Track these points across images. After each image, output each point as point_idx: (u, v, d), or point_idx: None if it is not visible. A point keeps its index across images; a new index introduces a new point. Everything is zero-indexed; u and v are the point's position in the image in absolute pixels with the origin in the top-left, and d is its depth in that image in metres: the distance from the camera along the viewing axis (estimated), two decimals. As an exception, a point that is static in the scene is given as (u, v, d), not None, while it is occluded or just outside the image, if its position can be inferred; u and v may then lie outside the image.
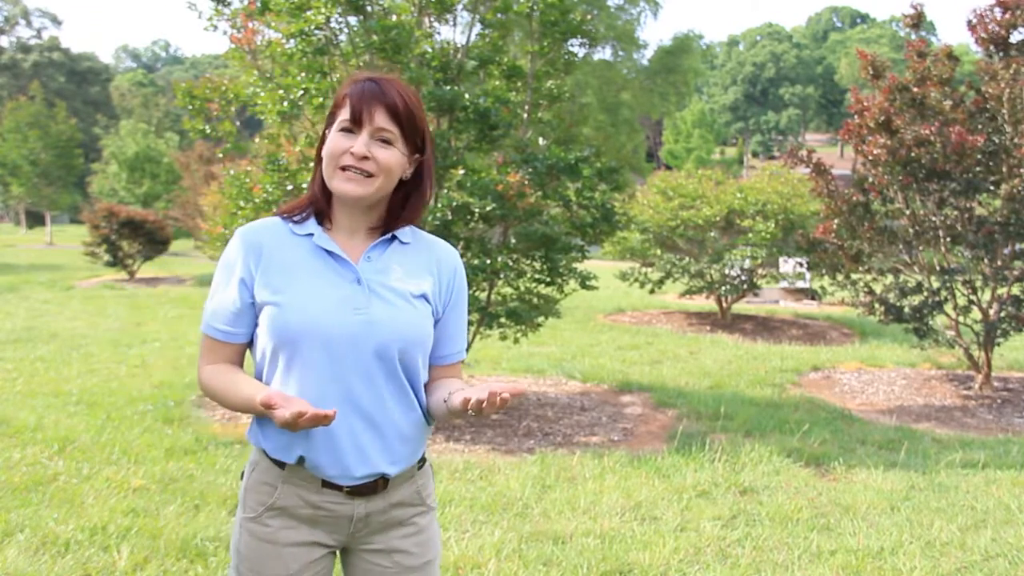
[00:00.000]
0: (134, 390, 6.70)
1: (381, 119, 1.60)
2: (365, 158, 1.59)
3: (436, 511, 1.81)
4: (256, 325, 1.65)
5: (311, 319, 1.58)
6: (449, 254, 1.77)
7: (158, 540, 3.58)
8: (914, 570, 3.50)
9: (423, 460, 1.76)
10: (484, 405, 1.47)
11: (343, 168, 1.60)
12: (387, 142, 1.61)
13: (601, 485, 4.53)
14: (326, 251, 1.64)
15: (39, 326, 10.48)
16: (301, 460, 1.62)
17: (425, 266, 1.72)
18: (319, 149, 1.68)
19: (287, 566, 1.65)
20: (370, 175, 1.60)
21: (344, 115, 1.61)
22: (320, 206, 1.68)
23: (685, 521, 4.02)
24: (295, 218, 1.67)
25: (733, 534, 3.87)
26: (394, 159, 1.62)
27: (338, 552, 1.75)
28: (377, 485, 1.66)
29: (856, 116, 7.32)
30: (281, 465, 1.64)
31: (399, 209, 1.69)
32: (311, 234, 1.65)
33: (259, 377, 1.66)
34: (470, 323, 6.06)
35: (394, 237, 1.70)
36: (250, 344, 1.69)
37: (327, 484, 1.64)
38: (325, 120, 1.69)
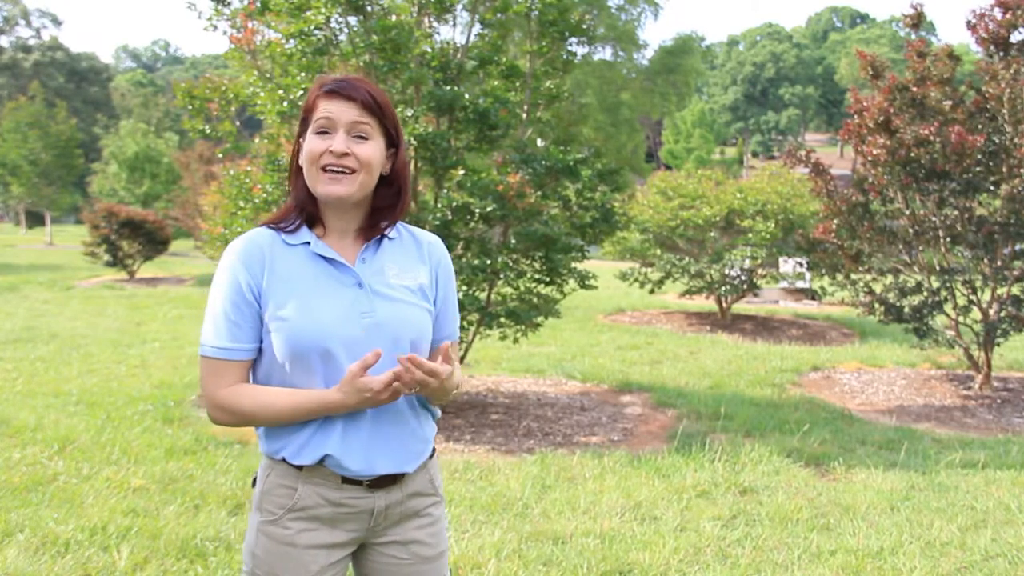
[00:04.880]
0: (134, 390, 6.70)
1: (356, 113, 1.61)
2: (345, 154, 1.60)
3: (445, 501, 1.85)
4: (262, 339, 1.65)
5: (321, 331, 1.59)
6: (435, 244, 1.80)
7: (158, 540, 3.58)
8: (914, 570, 3.50)
9: (432, 449, 1.80)
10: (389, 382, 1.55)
11: (324, 169, 1.61)
12: (364, 137, 1.62)
13: (601, 485, 4.53)
14: (324, 258, 1.65)
15: (39, 326, 10.48)
16: (322, 460, 1.63)
17: (416, 258, 1.75)
18: (295, 158, 1.68)
19: (306, 568, 1.65)
20: (352, 171, 1.61)
21: (318, 116, 1.62)
22: (310, 210, 1.68)
23: (685, 521, 4.02)
24: (286, 228, 1.67)
25: (733, 534, 3.87)
26: (373, 152, 1.63)
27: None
28: (396, 477, 1.69)
29: (856, 116, 7.31)
30: (299, 466, 1.65)
31: (384, 207, 1.70)
32: (307, 243, 1.65)
33: None
34: (470, 323, 6.06)
35: (383, 235, 1.71)
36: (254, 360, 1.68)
37: (347, 480, 1.65)
38: (299, 125, 1.69)
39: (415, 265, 1.73)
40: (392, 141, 1.68)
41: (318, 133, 1.62)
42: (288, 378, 1.62)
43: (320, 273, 1.64)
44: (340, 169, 1.60)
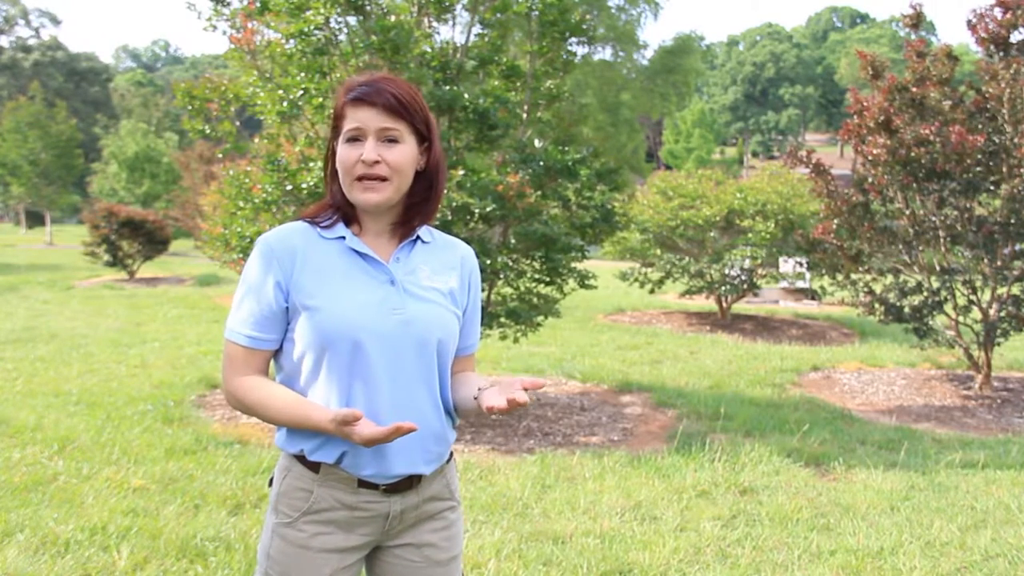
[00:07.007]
0: (134, 390, 6.70)
1: (382, 120, 1.61)
2: (376, 163, 1.61)
3: (462, 507, 1.84)
4: (286, 331, 1.65)
5: (351, 322, 1.59)
6: (469, 255, 1.82)
7: (158, 540, 3.58)
8: (914, 570, 3.50)
9: (450, 454, 1.79)
10: (506, 409, 1.53)
11: (359, 179, 1.62)
12: (394, 140, 1.62)
13: (601, 485, 4.53)
14: (358, 253, 1.66)
15: (39, 326, 10.48)
16: (340, 458, 1.63)
17: (449, 264, 1.76)
18: (330, 161, 1.69)
19: (319, 571, 1.65)
20: (385, 179, 1.62)
21: (347, 125, 1.62)
22: (346, 211, 1.69)
23: (685, 521, 4.02)
24: (322, 222, 1.68)
25: (733, 534, 3.87)
26: (404, 156, 1.63)
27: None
28: (412, 481, 1.69)
29: (856, 116, 7.31)
30: (316, 468, 1.64)
31: (418, 202, 1.70)
32: (342, 237, 1.66)
33: (291, 384, 1.66)
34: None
35: (418, 238, 1.73)
36: (276, 352, 1.69)
37: (363, 483, 1.65)
38: (330, 130, 1.70)
39: (447, 270, 1.74)
40: (424, 137, 1.68)
41: (349, 141, 1.62)
42: (312, 374, 1.62)
43: (353, 266, 1.65)
44: (374, 177, 1.61)
